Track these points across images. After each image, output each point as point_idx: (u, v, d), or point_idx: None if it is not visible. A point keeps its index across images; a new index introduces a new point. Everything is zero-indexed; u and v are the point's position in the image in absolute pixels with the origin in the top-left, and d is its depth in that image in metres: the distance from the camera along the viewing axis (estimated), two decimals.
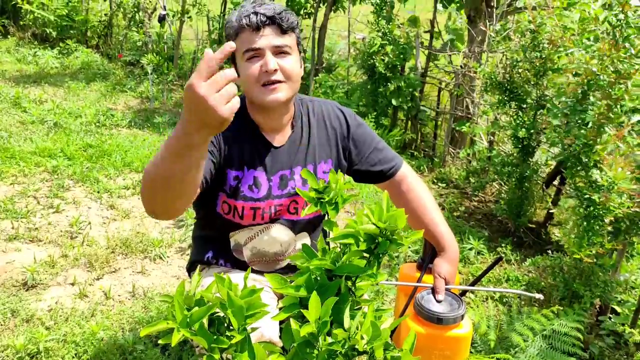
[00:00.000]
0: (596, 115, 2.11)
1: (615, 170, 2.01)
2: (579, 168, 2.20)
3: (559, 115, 2.29)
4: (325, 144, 1.57)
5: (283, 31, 1.38)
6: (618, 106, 2.09)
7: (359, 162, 1.60)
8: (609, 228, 2.10)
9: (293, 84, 1.42)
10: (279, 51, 1.38)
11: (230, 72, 0.93)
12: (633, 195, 2.00)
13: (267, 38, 1.36)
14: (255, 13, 1.35)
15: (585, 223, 2.10)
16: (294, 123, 1.53)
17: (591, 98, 2.19)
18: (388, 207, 0.86)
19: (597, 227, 2.08)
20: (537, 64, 2.74)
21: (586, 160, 2.15)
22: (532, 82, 2.85)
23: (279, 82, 1.38)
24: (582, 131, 2.17)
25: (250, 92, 1.41)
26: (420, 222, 1.55)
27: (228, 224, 1.54)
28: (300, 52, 1.47)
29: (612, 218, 2.05)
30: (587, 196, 2.08)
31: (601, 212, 2.04)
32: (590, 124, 2.15)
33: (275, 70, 1.37)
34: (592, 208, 2.07)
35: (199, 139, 0.98)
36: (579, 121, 2.20)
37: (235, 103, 0.93)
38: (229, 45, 0.93)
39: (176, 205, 1.18)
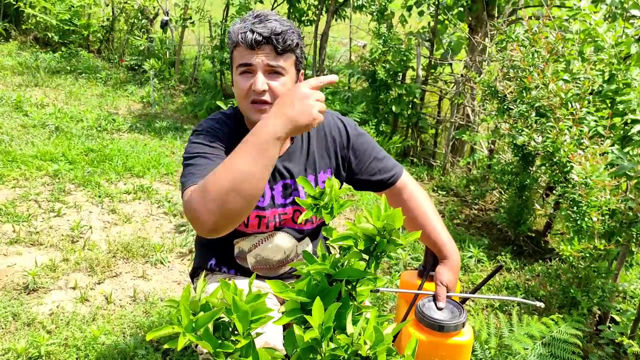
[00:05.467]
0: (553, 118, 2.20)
1: (584, 166, 2.03)
2: (556, 170, 2.24)
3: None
4: (325, 154, 1.57)
5: (278, 52, 1.34)
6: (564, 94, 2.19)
7: (359, 172, 1.60)
8: (599, 226, 2.11)
9: None
10: (271, 71, 1.35)
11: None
12: (611, 188, 2.02)
13: (261, 57, 1.33)
14: (252, 31, 1.31)
15: (572, 223, 2.12)
16: None
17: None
18: (386, 207, 0.87)
19: (585, 226, 2.10)
20: (524, 80, 2.76)
21: (558, 156, 2.19)
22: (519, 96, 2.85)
23: (267, 103, 1.36)
24: (547, 128, 2.23)
25: (240, 106, 1.42)
26: (422, 230, 1.56)
27: (233, 232, 1.54)
28: (299, 71, 1.45)
29: (600, 215, 2.07)
30: (567, 194, 2.11)
31: (584, 209, 2.06)
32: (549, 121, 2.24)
33: (264, 91, 1.35)
34: (575, 208, 2.10)
35: (283, 133, 1.15)
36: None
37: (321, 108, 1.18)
38: (332, 77, 1.21)
39: (243, 213, 1.20)
